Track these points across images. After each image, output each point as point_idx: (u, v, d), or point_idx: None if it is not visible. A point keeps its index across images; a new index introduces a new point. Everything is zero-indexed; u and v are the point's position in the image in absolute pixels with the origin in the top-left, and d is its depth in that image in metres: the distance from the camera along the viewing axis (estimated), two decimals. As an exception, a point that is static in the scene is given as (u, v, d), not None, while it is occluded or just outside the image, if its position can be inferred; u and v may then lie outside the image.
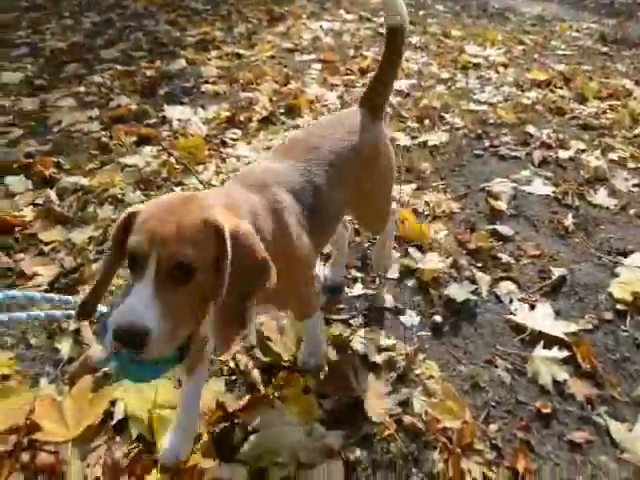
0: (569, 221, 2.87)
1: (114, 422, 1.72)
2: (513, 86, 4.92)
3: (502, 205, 3.00)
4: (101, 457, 1.64)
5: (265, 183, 1.47)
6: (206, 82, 4.69)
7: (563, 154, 3.61)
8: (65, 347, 2.03)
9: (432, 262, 2.46)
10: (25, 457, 1.65)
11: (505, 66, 5.54)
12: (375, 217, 2.12)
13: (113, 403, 1.77)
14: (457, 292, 2.31)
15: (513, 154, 3.62)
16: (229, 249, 1.11)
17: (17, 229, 2.72)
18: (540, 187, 3.22)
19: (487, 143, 3.77)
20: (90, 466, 1.62)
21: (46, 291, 2.32)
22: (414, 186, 3.13)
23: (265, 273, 1.18)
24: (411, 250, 2.56)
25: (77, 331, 2.09)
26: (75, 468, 1.61)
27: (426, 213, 2.84)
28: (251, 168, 1.62)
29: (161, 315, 1.03)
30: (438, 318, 2.18)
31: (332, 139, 1.73)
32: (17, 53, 5.63)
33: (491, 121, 4.13)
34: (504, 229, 2.79)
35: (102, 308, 1.34)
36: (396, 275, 2.42)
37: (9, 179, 3.13)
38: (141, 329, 1.01)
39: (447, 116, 4.15)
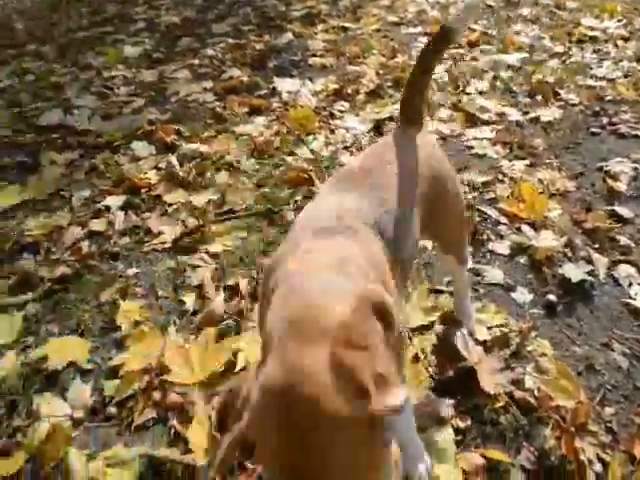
0: (696, 206, 2.66)
1: (236, 370, 1.83)
2: (634, 61, 4.55)
3: (621, 186, 2.82)
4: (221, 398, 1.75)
5: (346, 224, 1.20)
6: (313, 55, 4.73)
7: (690, 133, 3.32)
8: (190, 299, 2.18)
9: (546, 240, 2.37)
10: (157, 395, 1.81)
11: (625, 39, 5.12)
12: (452, 237, 1.75)
13: (235, 354, 1.88)
14: (572, 272, 2.21)
15: (634, 133, 3.37)
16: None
17: (143, 190, 2.92)
18: (664, 168, 2.99)
19: (605, 120, 3.54)
20: (214, 408, 1.74)
21: (170, 249, 2.49)
22: (527, 162, 3.01)
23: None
24: (524, 227, 2.48)
25: (201, 286, 2.23)
26: (201, 409, 1.74)
27: (539, 191, 2.73)
28: (318, 209, 1.32)
29: None
30: (552, 297, 2.11)
31: (391, 162, 1.46)
32: (135, 28, 5.96)
33: (609, 98, 3.86)
34: (623, 211, 2.63)
35: None
36: (507, 251, 2.36)
37: (135, 144, 3.35)
38: None
39: (561, 92, 3.93)
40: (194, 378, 1.83)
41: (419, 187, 1.49)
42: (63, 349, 2.03)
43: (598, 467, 1.55)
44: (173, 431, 1.70)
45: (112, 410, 1.80)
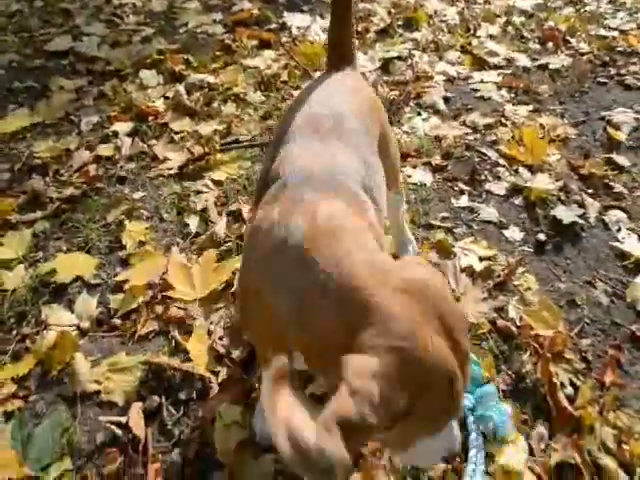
0: (693, 158, 2.64)
1: (233, 289, 1.89)
2: (649, 12, 4.41)
3: (621, 135, 2.79)
4: (222, 317, 1.82)
5: (340, 182, 1.15)
6: (324, -9, 4.58)
7: (696, 89, 3.26)
8: (193, 223, 2.21)
9: (542, 182, 2.38)
10: (159, 309, 1.87)
11: (643, -10, 4.94)
12: (394, 170, 1.72)
13: (234, 273, 1.93)
14: (564, 214, 2.23)
15: (640, 84, 3.31)
16: None
17: (151, 118, 2.90)
18: (667, 121, 2.95)
19: (613, 71, 3.46)
20: (213, 324, 1.80)
21: (175, 174, 2.51)
22: (530, 108, 2.98)
23: None
24: (521, 169, 2.49)
25: (204, 210, 2.26)
26: (201, 323, 1.81)
27: (540, 136, 2.71)
28: (302, 159, 1.21)
29: None
30: (542, 236, 2.15)
31: (344, 103, 1.41)
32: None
33: (620, 49, 3.76)
34: (620, 159, 2.62)
35: None
36: (503, 192, 2.38)
37: (143, 73, 3.30)
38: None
39: (572, 40, 3.82)
40: (195, 295, 1.89)
41: (374, 129, 1.47)
42: (71, 264, 2.08)
43: (569, 390, 1.62)
44: (174, 342, 1.77)
45: (116, 321, 1.87)
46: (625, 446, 1.49)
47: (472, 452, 1.41)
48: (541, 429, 1.54)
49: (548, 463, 1.45)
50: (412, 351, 0.81)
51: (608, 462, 1.46)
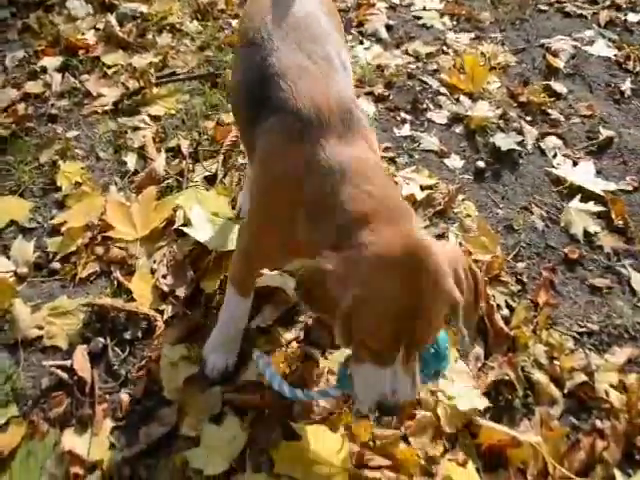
0: (626, 86, 2.64)
1: (175, 226, 1.80)
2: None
3: (560, 63, 2.76)
4: (165, 255, 1.74)
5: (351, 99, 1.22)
6: None
7: (633, 17, 3.22)
8: (131, 160, 2.08)
9: (481, 110, 2.35)
10: (99, 250, 1.78)
11: None
12: None
13: (175, 210, 1.84)
14: (503, 141, 2.22)
15: (579, 12, 3.24)
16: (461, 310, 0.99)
17: (81, 52, 2.66)
18: (602, 49, 2.92)
19: (554, -2, 3.39)
20: (156, 262, 1.73)
21: (110, 111, 2.33)
22: (472, 35, 2.89)
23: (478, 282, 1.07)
24: (462, 98, 2.44)
25: (142, 147, 2.12)
26: (143, 262, 1.73)
27: (481, 64, 2.64)
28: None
29: (414, 382, 1.02)
30: (481, 164, 2.13)
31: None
32: None
33: (560, -25, 3.67)
34: (558, 86, 2.60)
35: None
36: (444, 121, 2.33)
37: (70, 3, 3.00)
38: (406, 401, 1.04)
39: (514, -34, 3.70)
40: (136, 234, 1.80)
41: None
42: (3, 209, 1.94)
43: (505, 312, 1.66)
44: (116, 283, 1.70)
45: (56, 265, 1.77)
46: (556, 362, 1.55)
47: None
48: (478, 350, 1.57)
49: (485, 381, 1.49)
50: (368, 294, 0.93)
51: (540, 377, 1.51)
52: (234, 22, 2.84)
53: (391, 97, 2.45)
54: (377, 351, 0.98)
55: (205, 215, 1.78)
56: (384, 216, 1.00)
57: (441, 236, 1.85)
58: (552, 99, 2.52)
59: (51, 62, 2.60)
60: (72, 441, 1.34)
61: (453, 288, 0.97)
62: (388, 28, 2.91)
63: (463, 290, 1.00)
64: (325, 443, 1.33)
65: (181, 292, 1.63)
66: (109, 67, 2.55)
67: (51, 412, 1.41)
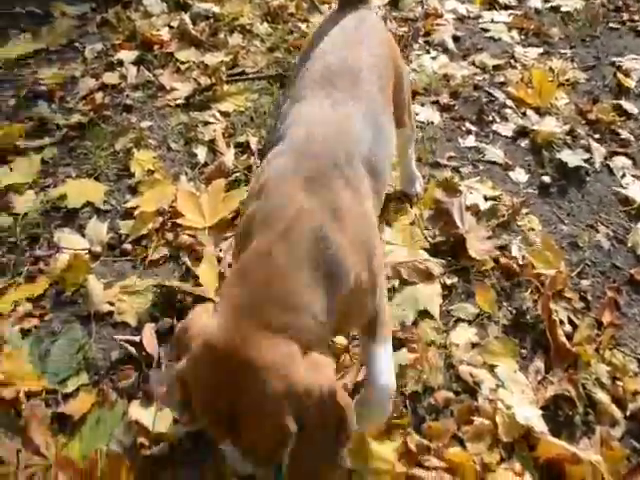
0: (699, 108, 2.58)
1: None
2: (667, -43, 4.19)
3: (631, 82, 2.71)
4: (231, 245, 1.80)
5: (334, 162, 1.07)
6: None
7: None
8: (201, 153, 2.16)
9: (549, 126, 2.33)
10: (169, 236, 1.85)
11: None
12: (406, 108, 1.70)
13: (242, 203, 1.91)
14: (570, 158, 2.20)
15: (652, 32, 3.19)
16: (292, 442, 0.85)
17: (156, 47, 2.78)
18: (675, 70, 2.86)
19: (625, 17, 3.32)
20: (223, 251, 1.79)
21: (182, 105, 2.43)
22: (540, 50, 2.87)
23: (342, 430, 0.89)
24: (529, 112, 2.43)
25: (212, 141, 2.20)
26: (210, 250, 1.79)
27: (549, 79, 2.63)
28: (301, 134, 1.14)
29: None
30: (547, 179, 2.12)
31: (360, 55, 1.34)
32: None
33: (633, -6, 3.60)
34: (629, 106, 2.55)
35: None
36: (510, 134, 2.33)
37: (147, 0, 3.14)
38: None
39: (586, -17, 3.65)
40: (204, 223, 1.87)
41: (389, 75, 1.44)
42: (80, 190, 2.05)
43: (568, 328, 1.64)
44: (184, 267, 1.77)
45: (127, 247, 1.85)
46: (619, 382, 1.52)
47: None
48: (539, 363, 1.56)
49: (544, 395, 1.48)
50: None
51: (602, 396, 1.49)
52: (303, 26, 2.92)
53: (456, 107, 2.46)
54: None
55: (272, 209, 1.83)
56: (251, 299, 0.89)
57: (504, 248, 1.84)
58: (622, 118, 2.48)
59: (127, 55, 2.73)
60: (138, 412, 1.40)
61: (281, 415, 0.82)
62: (455, 39, 2.93)
63: (308, 423, 0.84)
64: (383, 439, 1.35)
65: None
66: (182, 63, 2.66)
67: (120, 383, 1.48)
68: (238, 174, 2.05)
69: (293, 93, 1.30)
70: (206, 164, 2.13)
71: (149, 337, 1.56)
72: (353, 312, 1.07)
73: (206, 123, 2.31)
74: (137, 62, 2.70)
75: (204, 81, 2.51)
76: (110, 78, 2.60)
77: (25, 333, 1.63)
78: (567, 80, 2.67)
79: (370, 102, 1.26)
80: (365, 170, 1.14)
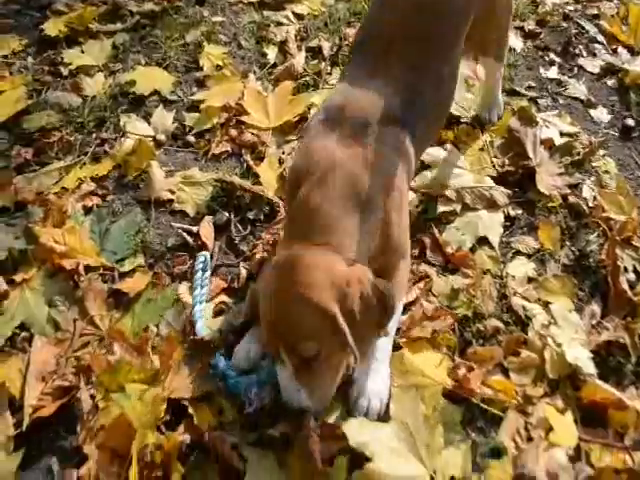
0: None
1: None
2: None
3: None
4: (294, 149, 1.68)
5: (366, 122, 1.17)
6: None
7: None
8: (272, 53, 2.00)
9: (641, 66, 2.05)
10: (233, 132, 1.74)
11: None
12: (492, 34, 1.57)
13: (309, 108, 1.76)
14: (659, 102, 1.94)
15: None
16: (342, 325, 1.00)
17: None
18: None
19: None
20: (285, 153, 1.67)
21: (256, 2, 2.23)
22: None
23: (387, 308, 1.06)
24: (620, 49, 2.13)
25: (284, 42, 2.02)
26: (273, 151, 1.68)
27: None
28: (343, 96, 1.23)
29: (309, 392, 1.06)
30: (630, 122, 1.87)
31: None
32: None
33: None
34: None
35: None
36: (596, 70, 2.06)
37: None
38: (303, 408, 1.07)
39: None
40: (269, 123, 1.74)
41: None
42: (149, 77, 1.94)
43: (631, 276, 1.48)
44: (245, 165, 1.66)
45: (191, 139, 1.76)
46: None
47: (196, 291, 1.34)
48: (595, 307, 1.42)
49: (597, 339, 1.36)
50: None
51: (658, 350, 1.36)
52: None
53: (542, 36, 2.18)
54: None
55: (339, 117, 1.68)
56: (298, 230, 1.10)
57: (574, 186, 1.66)
58: None
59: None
60: (189, 299, 1.35)
61: (325, 300, 0.99)
62: (549, -37, 2.57)
63: (351, 308, 1.01)
64: (427, 358, 1.27)
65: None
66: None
67: (174, 269, 1.43)
68: (307, 78, 1.89)
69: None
70: (275, 65, 1.97)
71: (207, 228, 1.49)
72: (380, 247, 1.17)
73: (279, 23, 2.13)
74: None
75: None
76: (184, -30, 2.40)
77: (87, 211, 1.59)
78: (667, 20, 2.32)
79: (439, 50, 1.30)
80: (400, 127, 1.21)
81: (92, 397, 1.18)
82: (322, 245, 1.05)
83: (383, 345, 1.21)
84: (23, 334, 1.31)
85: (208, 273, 1.39)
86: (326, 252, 1.04)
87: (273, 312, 1.03)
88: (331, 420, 1.15)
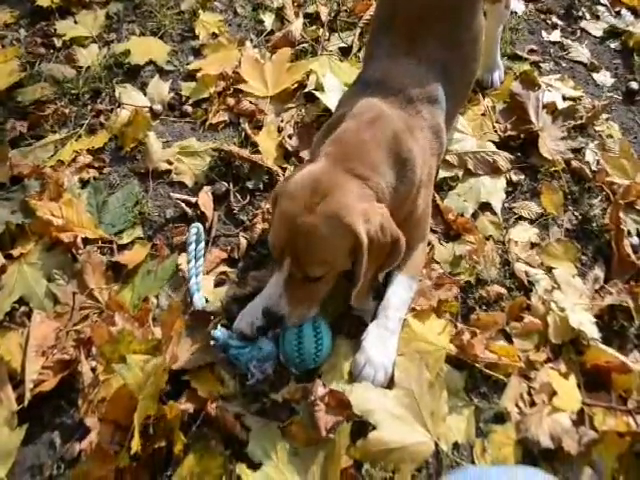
0: None
1: (306, 90, 1.64)
2: None
3: None
4: (293, 117, 1.60)
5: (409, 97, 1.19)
6: None
7: None
8: (268, 20, 1.90)
9: (645, 28, 1.94)
10: (231, 101, 1.66)
11: None
12: None
13: (307, 75, 1.67)
14: (663, 65, 1.84)
15: None
16: (365, 252, 1.02)
17: None
18: None
19: None
20: (284, 122, 1.59)
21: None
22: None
23: (396, 250, 1.09)
24: (624, 11, 2.02)
25: (281, 9, 1.91)
26: (271, 119, 1.60)
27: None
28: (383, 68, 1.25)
29: (291, 304, 1.07)
30: (634, 85, 1.78)
31: None
32: None
33: None
34: None
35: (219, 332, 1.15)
36: (599, 33, 1.95)
37: None
38: (277, 314, 1.07)
39: None
40: (267, 91, 1.65)
41: None
42: (144, 47, 1.84)
43: (635, 240, 1.42)
44: (243, 134, 1.58)
45: (188, 108, 1.68)
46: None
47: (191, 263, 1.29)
48: (599, 272, 1.36)
49: (600, 303, 1.30)
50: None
51: (661, 309, 1.30)
52: None
53: (544, -2, 2.07)
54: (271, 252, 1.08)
55: (337, 83, 1.60)
56: (342, 153, 1.07)
57: (577, 151, 1.58)
58: None
59: None
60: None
61: (356, 225, 0.99)
62: None
63: (373, 238, 1.03)
64: (431, 326, 1.22)
65: (305, 155, 1.50)
66: None
67: (173, 240, 1.37)
68: (305, 45, 1.79)
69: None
70: (272, 32, 1.87)
71: (205, 198, 1.42)
72: (403, 217, 1.17)
73: (275, -10, 2.01)
74: None
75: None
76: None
77: (84, 183, 1.52)
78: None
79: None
80: (437, 106, 1.24)
81: (93, 370, 1.13)
82: (359, 177, 1.06)
83: (396, 316, 1.19)
84: (22, 309, 1.26)
85: (202, 244, 1.33)
86: (363, 186, 1.05)
87: (297, 220, 1.00)
88: (336, 387, 1.11)
